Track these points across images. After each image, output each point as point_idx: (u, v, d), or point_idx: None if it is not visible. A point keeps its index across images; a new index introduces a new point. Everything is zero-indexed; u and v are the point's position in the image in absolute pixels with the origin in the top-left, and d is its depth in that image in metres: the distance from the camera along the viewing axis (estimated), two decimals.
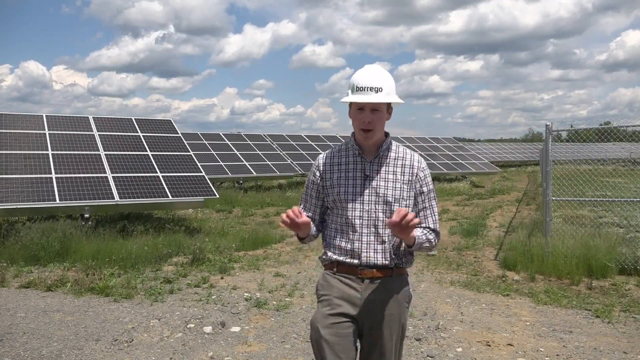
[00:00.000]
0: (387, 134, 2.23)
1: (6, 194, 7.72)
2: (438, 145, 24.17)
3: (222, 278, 6.26)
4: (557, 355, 3.91)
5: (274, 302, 5.23)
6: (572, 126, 7.90)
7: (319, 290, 2.26)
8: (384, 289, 2.16)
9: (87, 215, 8.14)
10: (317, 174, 2.27)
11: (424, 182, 2.21)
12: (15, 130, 9.46)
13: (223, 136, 19.68)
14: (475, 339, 4.25)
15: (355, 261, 2.15)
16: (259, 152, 18.93)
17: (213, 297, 5.43)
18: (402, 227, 1.91)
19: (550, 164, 6.75)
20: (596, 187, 11.76)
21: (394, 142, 2.25)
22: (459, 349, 4.03)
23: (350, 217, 2.15)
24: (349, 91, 2.17)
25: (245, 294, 5.54)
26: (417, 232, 2.11)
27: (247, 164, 17.68)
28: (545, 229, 6.79)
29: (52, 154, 9.07)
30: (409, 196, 2.18)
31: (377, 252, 2.14)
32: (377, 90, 2.09)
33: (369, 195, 2.14)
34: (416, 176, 2.20)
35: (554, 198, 6.88)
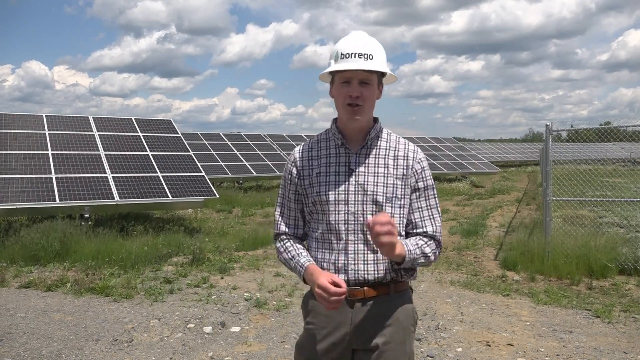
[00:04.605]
0: (376, 119, 1.82)
1: (6, 194, 7.71)
2: (439, 145, 24.17)
3: (222, 278, 6.26)
4: (557, 355, 3.91)
5: (274, 302, 5.23)
6: (572, 126, 7.90)
7: (304, 312, 1.89)
8: (381, 312, 1.74)
9: (87, 215, 8.14)
10: (294, 171, 1.85)
11: (421, 177, 1.79)
12: (15, 130, 9.45)
13: (223, 136, 19.68)
14: (475, 339, 4.25)
15: (342, 277, 1.72)
16: (259, 152, 18.93)
17: (213, 297, 5.43)
18: (374, 236, 1.54)
19: (550, 164, 6.75)
20: (596, 187, 11.77)
21: (384, 130, 1.84)
22: (459, 349, 4.03)
23: (334, 222, 1.74)
24: (332, 61, 1.74)
25: (245, 294, 5.54)
26: (410, 246, 1.69)
27: (247, 164, 17.68)
28: (545, 229, 6.79)
29: (52, 154, 9.06)
30: (404, 194, 1.76)
31: (367, 264, 1.72)
32: (367, 57, 1.67)
33: (355, 194, 1.73)
34: (412, 169, 1.78)
35: (554, 198, 6.88)
